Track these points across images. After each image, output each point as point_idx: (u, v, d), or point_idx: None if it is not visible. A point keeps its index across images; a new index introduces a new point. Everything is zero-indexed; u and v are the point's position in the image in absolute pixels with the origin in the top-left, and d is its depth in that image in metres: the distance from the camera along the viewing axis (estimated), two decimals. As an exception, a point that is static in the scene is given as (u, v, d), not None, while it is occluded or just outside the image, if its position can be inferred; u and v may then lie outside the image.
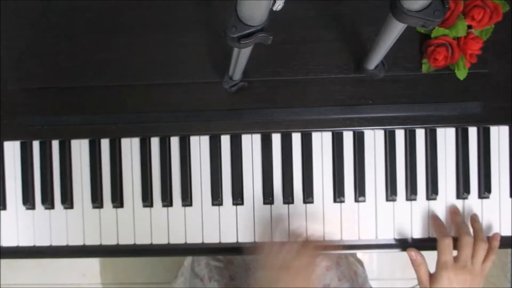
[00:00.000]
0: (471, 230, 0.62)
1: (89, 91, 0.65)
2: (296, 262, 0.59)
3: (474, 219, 0.64)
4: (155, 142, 0.66)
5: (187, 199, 0.65)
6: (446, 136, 0.65)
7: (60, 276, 1.42)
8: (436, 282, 0.59)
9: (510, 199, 0.65)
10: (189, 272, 0.82)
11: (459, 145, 0.65)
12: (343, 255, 0.82)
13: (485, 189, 0.64)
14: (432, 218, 0.64)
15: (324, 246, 0.64)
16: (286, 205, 0.65)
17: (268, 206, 0.65)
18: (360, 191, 0.65)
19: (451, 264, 0.59)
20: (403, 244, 0.65)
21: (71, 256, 0.68)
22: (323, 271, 0.77)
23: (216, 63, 0.64)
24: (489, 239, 0.62)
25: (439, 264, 0.59)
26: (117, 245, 0.66)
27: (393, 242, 0.65)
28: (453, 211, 0.64)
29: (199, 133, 0.65)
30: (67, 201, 0.66)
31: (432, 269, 0.61)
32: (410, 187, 0.64)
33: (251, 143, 0.66)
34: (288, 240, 0.63)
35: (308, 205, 0.65)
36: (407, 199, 0.65)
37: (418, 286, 0.61)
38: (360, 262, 0.86)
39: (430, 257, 0.61)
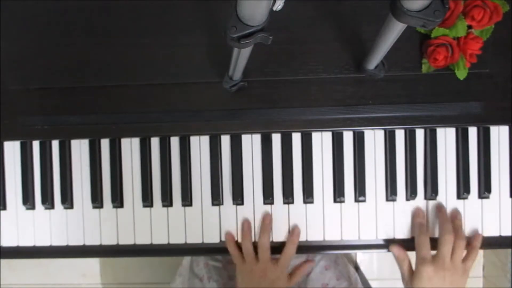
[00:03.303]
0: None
1: (89, 91, 0.65)
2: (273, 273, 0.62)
3: (455, 216, 0.64)
4: (155, 142, 0.66)
5: (187, 199, 0.65)
6: (446, 136, 0.65)
7: (60, 276, 1.42)
8: (416, 278, 0.59)
9: (510, 199, 0.65)
10: (188, 272, 0.82)
11: (459, 145, 0.65)
12: (340, 254, 0.82)
13: (485, 189, 0.64)
14: (414, 214, 0.64)
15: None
16: (286, 205, 0.65)
17: (268, 206, 0.65)
18: (360, 191, 0.65)
19: (429, 260, 0.59)
20: (403, 244, 0.65)
21: (71, 256, 0.68)
22: (321, 271, 0.77)
23: (216, 63, 0.64)
24: (471, 239, 0.63)
25: (417, 260, 0.60)
26: (117, 245, 0.66)
27: (393, 242, 0.65)
28: (439, 208, 0.64)
29: (199, 133, 0.65)
30: (67, 201, 0.66)
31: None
32: (410, 187, 0.64)
33: (251, 143, 0.66)
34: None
35: (308, 205, 0.65)
36: (407, 199, 0.65)
37: None
38: (351, 263, 0.86)
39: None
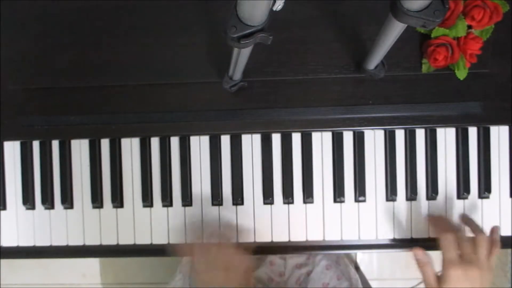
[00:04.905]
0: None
1: (89, 91, 0.65)
2: (230, 262, 0.59)
3: (464, 217, 0.64)
4: (155, 142, 0.66)
5: (187, 199, 0.65)
6: (446, 136, 0.65)
7: (60, 276, 1.42)
8: (444, 282, 0.56)
9: (510, 199, 0.65)
10: (190, 269, 0.82)
11: (459, 145, 0.65)
12: (341, 255, 0.82)
13: (485, 189, 0.64)
14: (430, 218, 0.64)
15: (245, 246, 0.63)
16: (286, 205, 0.65)
17: (268, 206, 0.65)
18: (360, 191, 0.65)
19: (457, 260, 0.55)
20: (403, 244, 0.65)
21: (71, 256, 0.68)
22: (322, 270, 0.77)
23: (216, 63, 0.64)
24: (490, 233, 0.61)
25: (445, 263, 0.56)
26: (117, 245, 0.66)
27: (393, 242, 0.65)
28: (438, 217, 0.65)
29: (199, 133, 0.65)
30: (67, 201, 0.66)
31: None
32: (410, 187, 0.65)
33: (251, 143, 0.66)
34: (216, 242, 0.62)
35: (308, 205, 0.65)
36: (407, 199, 0.65)
37: (418, 286, 0.61)
38: (352, 263, 0.86)
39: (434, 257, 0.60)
